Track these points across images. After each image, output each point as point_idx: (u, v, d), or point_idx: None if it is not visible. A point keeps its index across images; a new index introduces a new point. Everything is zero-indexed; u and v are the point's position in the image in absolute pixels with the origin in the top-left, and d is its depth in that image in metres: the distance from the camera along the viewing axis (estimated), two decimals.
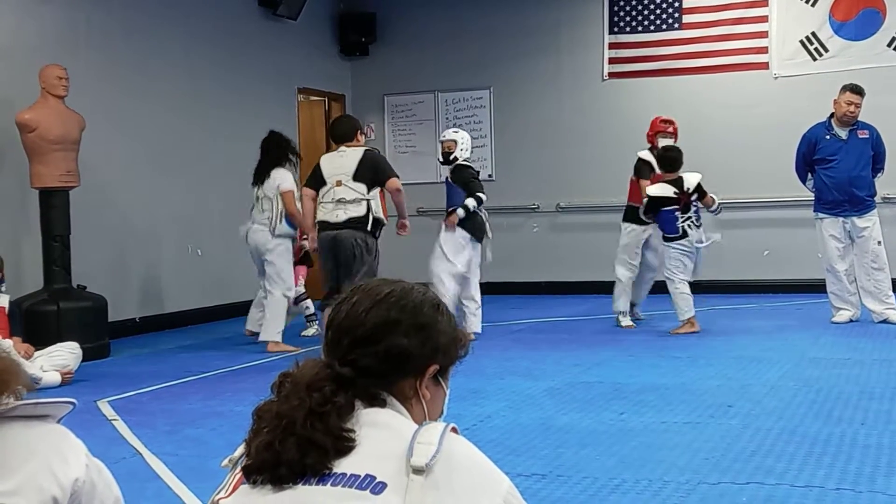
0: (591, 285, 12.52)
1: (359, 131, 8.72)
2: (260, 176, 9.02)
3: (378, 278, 2.01)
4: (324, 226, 8.39)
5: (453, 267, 9.09)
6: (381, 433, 1.78)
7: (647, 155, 9.67)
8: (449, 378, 1.97)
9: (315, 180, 8.51)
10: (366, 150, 8.53)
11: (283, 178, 8.90)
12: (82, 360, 7.81)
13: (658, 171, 9.46)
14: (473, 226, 9.24)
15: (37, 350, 7.54)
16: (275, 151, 9.05)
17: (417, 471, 1.69)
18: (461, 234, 9.20)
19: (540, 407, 6.28)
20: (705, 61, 12.35)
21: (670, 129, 9.75)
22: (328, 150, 13.59)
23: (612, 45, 12.74)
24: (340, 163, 8.41)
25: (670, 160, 9.25)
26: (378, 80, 13.70)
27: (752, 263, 11.97)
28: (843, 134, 9.32)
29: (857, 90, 9.30)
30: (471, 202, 9.08)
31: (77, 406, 1.96)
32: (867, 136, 9.37)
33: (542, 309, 11.27)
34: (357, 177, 8.29)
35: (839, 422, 5.61)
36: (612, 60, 12.77)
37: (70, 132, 8.54)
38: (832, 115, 9.40)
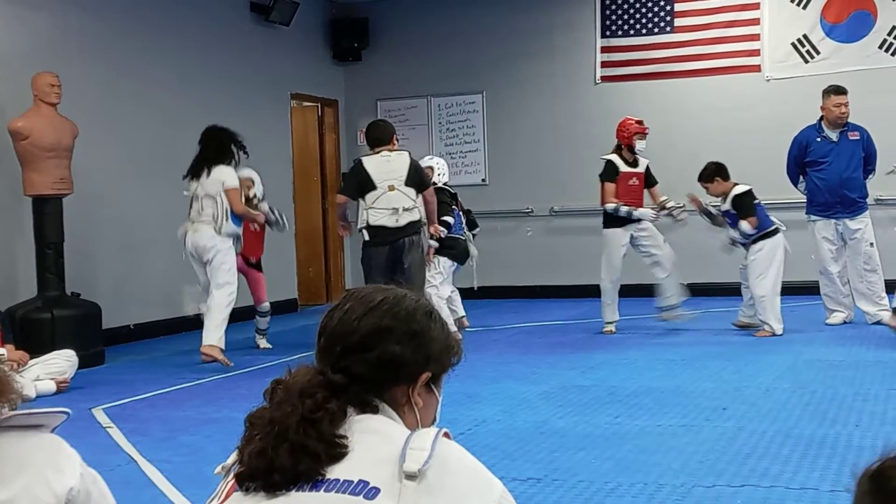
0: (585, 289, 12.51)
1: (394, 135, 8.80)
2: (196, 171, 8.52)
3: (371, 286, 2.00)
4: (380, 231, 8.37)
5: (441, 291, 9.53)
6: (373, 439, 1.78)
7: (615, 158, 9.54)
8: (442, 386, 1.97)
9: (359, 185, 8.48)
10: (411, 157, 8.65)
11: (227, 176, 8.49)
12: (77, 368, 7.79)
13: (622, 170, 9.48)
14: (457, 253, 9.73)
15: (32, 358, 7.53)
16: (214, 146, 8.57)
17: (410, 476, 1.69)
18: (445, 263, 9.65)
19: (535, 411, 6.28)
20: (697, 64, 12.36)
21: (646, 129, 9.63)
22: (321, 156, 13.74)
23: (605, 49, 12.76)
24: (389, 167, 8.44)
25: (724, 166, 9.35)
26: (371, 85, 13.70)
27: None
28: (833, 136, 9.35)
29: (841, 91, 9.35)
30: (434, 233, 9.15)
31: (72, 414, 1.96)
32: (858, 138, 9.40)
33: (536, 313, 11.27)
34: (409, 182, 8.39)
35: (834, 423, 5.61)
36: (604, 64, 12.78)
37: (63, 139, 8.53)
38: (822, 117, 9.43)
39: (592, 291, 12.34)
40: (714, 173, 9.21)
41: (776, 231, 9.03)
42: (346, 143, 13.93)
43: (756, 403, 6.23)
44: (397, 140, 8.98)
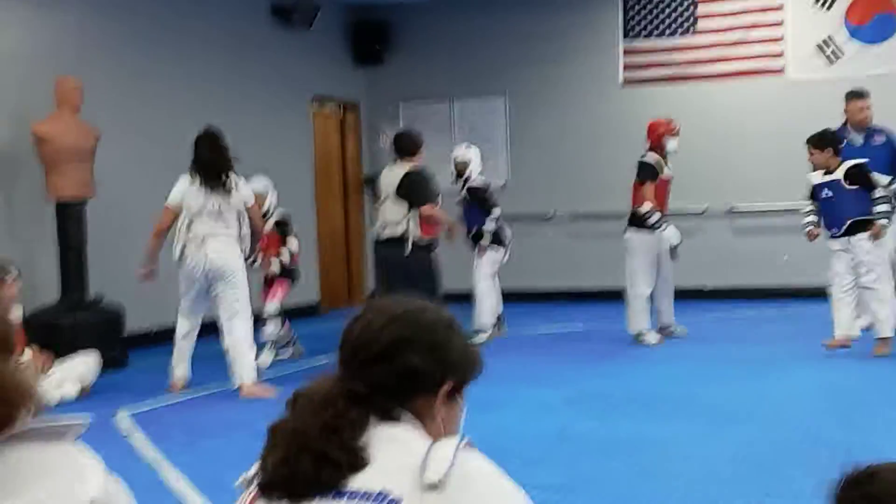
0: (607, 293, 12.49)
1: (418, 148, 8.67)
2: (215, 180, 7.64)
3: (391, 297, 2.01)
4: (375, 239, 8.63)
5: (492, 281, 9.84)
6: (395, 449, 1.78)
7: (651, 158, 9.38)
8: (464, 396, 1.97)
9: (375, 194, 8.75)
10: (408, 171, 8.47)
11: (248, 191, 7.86)
12: (99, 372, 7.82)
13: (662, 174, 9.30)
14: (500, 237, 10.02)
15: (54, 362, 7.57)
16: (221, 149, 7.76)
17: (431, 487, 1.69)
18: (495, 255, 9.97)
19: (557, 416, 6.27)
20: (720, 67, 12.32)
21: (676, 129, 9.41)
22: (343, 158, 13.77)
23: (627, 51, 12.73)
24: (389, 178, 8.53)
25: (835, 139, 8.44)
26: (393, 87, 13.72)
27: (770, 269, 11.93)
28: (858, 140, 9.30)
29: (862, 94, 9.32)
30: (489, 226, 9.68)
31: (93, 419, 1.97)
32: (884, 141, 9.34)
33: (559, 317, 11.25)
34: (399, 194, 8.42)
35: (860, 429, 5.57)
36: (627, 66, 12.76)
37: (85, 143, 8.58)
38: (846, 121, 9.40)
39: (615, 296, 12.34)
40: (829, 142, 8.33)
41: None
42: (368, 146, 13.96)
43: (780, 409, 6.20)
44: (420, 153, 8.71)
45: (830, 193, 8.19)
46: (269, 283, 9.18)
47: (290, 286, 9.37)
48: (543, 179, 13.03)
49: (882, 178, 8.31)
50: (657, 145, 9.42)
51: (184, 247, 7.68)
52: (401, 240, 8.37)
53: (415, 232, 8.37)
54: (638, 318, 9.25)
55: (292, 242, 9.30)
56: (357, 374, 1.87)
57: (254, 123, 11.54)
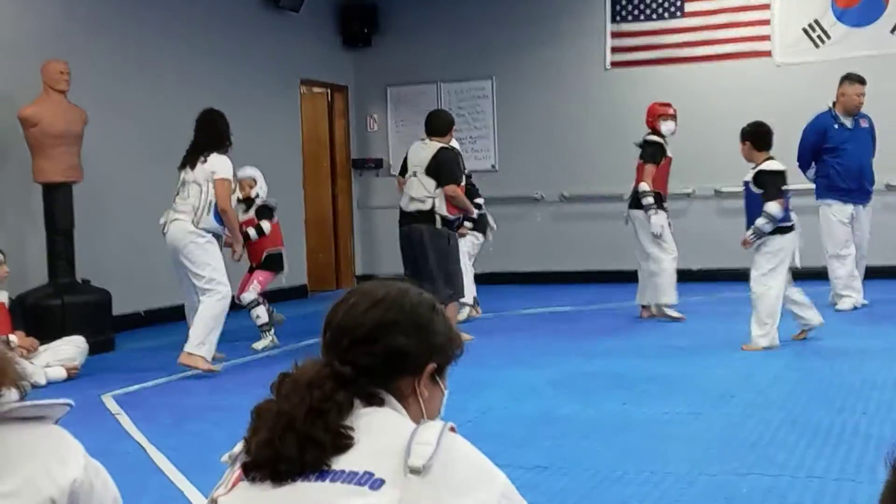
0: (595, 275, 12.56)
1: (450, 128, 8.80)
2: (192, 158, 7.80)
3: (374, 281, 2.04)
4: (400, 214, 8.68)
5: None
6: (379, 431, 1.81)
7: (656, 137, 9.48)
8: (446, 377, 2.01)
9: (402, 167, 8.79)
10: (440, 148, 8.57)
11: (220, 164, 7.74)
12: (87, 354, 7.84)
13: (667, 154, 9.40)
14: (482, 225, 10.12)
15: (42, 344, 7.58)
16: (210, 131, 7.87)
17: (415, 470, 1.72)
18: (473, 240, 10.12)
19: (542, 397, 6.31)
20: (707, 49, 12.35)
21: (671, 112, 9.54)
22: (331, 141, 13.77)
23: (615, 34, 12.74)
24: (420, 155, 8.61)
25: (764, 134, 7.87)
26: (381, 70, 13.71)
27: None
28: (848, 123, 9.46)
29: (862, 80, 9.50)
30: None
31: (81, 401, 1.99)
32: (868, 126, 9.51)
33: (544, 299, 11.28)
34: (428, 172, 8.51)
35: (841, 411, 5.63)
36: (614, 49, 12.77)
37: (72, 127, 8.57)
38: (834, 104, 9.49)
39: (602, 277, 12.40)
40: (747, 135, 7.93)
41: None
42: (356, 129, 13.95)
43: (764, 391, 6.25)
44: (451, 133, 8.86)
45: (744, 192, 7.98)
46: (250, 271, 9.15)
47: (273, 277, 9.32)
48: (531, 162, 13.05)
49: (771, 206, 7.60)
50: (653, 128, 9.54)
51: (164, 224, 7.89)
52: (427, 215, 8.50)
53: (441, 209, 8.51)
54: (667, 291, 9.28)
55: (264, 224, 9.20)
56: (342, 357, 1.90)
57: (242, 107, 11.50)
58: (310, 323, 9.27)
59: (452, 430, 1.81)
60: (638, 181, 9.42)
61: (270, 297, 9.52)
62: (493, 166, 13.22)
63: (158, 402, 6.69)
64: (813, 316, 7.90)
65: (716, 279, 11.36)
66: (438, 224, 8.46)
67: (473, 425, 5.54)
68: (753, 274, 7.78)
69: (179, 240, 7.69)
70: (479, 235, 10.21)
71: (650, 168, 9.28)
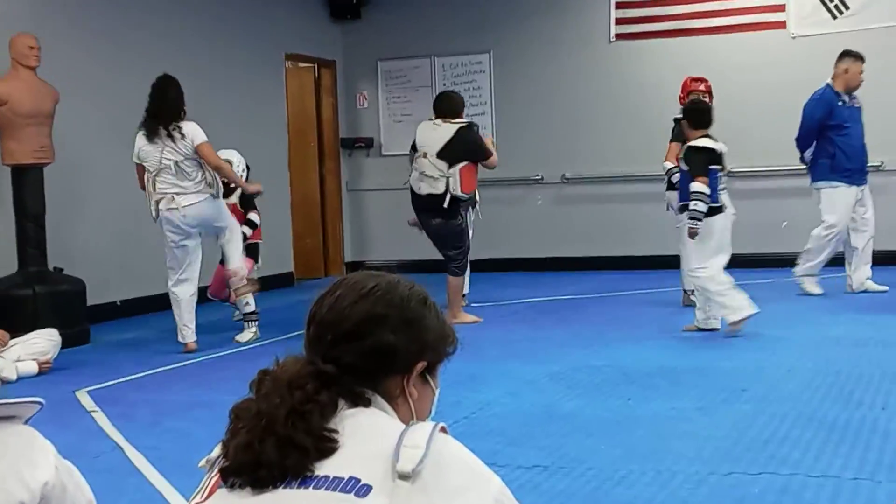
0: (599, 261, 12.56)
1: (462, 110, 9.23)
2: (163, 125, 8.03)
3: (362, 272, 2.03)
4: (411, 195, 9.12)
5: None
6: (365, 434, 1.80)
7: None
8: (438, 376, 2.00)
9: (412, 146, 9.15)
10: (459, 128, 8.95)
11: (196, 132, 8.06)
12: (60, 348, 7.83)
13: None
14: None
15: (13, 337, 7.57)
16: (175, 95, 8.16)
17: (404, 476, 1.71)
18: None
19: (543, 393, 6.31)
20: (718, 21, 12.32)
21: (701, 87, 9.51)
22: (318, 119, 13.75)
23: (619, 5, 12.71)
24: (431, 136, 8.94)
25: (700, 112, 8.17)
26: (371, 44, 13.68)
27: (769, 235, 11.98)
28: (848, 101, 9.58)
29: (863, 58, 9.66)
30: None
31: (54, 397, 1.99)
32: (860, 105, 9.75)
33: (546, 287, 11.29)
34: (441, 154, 8.85)
35: (859, 406, 5.63)
36: (619, 21, 12.74)
37: (43, 105, 8.54)
38: (833, 79, 9.61)
39: (605, 264, 12.41)
40: (685, 114, 8.28)
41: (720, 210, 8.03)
42: (345, 106, 13.93)
43: (777, 385, 6.25)
44: (462, 115, 9.27)
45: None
46: (222, 263, 9.14)
47: (252, 265, 9.33)
48: (531, 141, 13.03)
49: (694, 185, 7.75)
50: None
51: (156, 203, 8.13)
52: (439, 198, 8.86)
53: (455, 188, 8.84)
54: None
55: (254, 215, 9.30)
56: (326, 354, 1.89)
57: (224, 84, 11.50)
58: (296, 313, 9.29)
59: (443, 430, 1.80)
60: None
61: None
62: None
63: (136, 399, 6.69)
64: (711, 318, 8.07)
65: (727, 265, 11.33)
66: (446, 203, 8.86)
67: (469, 422, 5.54)
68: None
69: (212, 215, 8.28)
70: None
71: (674, 146, 9.23)
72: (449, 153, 8.87)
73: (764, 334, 7.88)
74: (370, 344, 1.89)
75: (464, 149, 8.92)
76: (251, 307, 8.80)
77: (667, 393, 6.14)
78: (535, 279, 12.13)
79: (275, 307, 9.73)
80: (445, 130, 8.92)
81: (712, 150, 7.93)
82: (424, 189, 8.96)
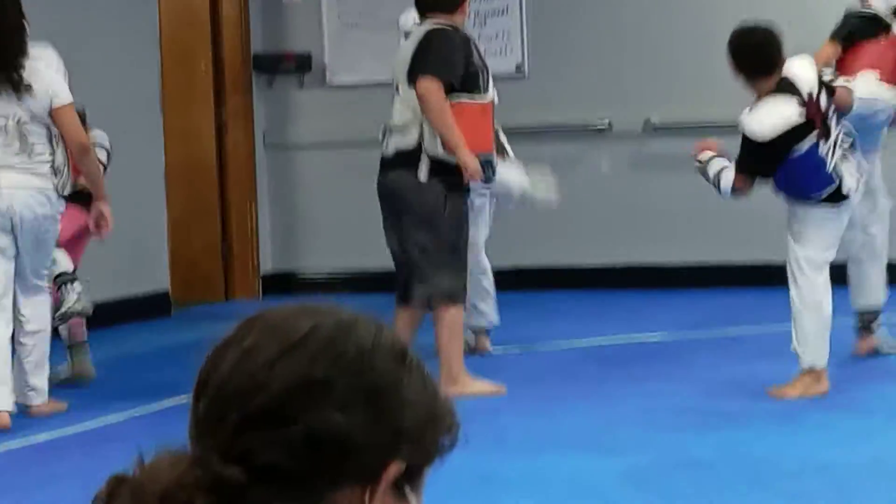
0: (711, 272, 12.59)
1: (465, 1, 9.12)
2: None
3: (293, 305, 2.03)
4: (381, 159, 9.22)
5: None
6: None
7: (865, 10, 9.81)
8: (422, 487, 2.01)
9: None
10: (430, 30, 8.93)
11: (59, 85, 8.52)
12: None
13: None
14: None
15: None
16: (16, 11, 8.44)
17: None
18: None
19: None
20: None
21: None
22: (215, 26, 13.82)
23: None
24: (402, 53, 9.08)
25: (759, 47, 8.83)
26: None
27: None
28: None
29: None
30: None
31: None
32: None
33: (617, 319, 11.35)
34: (411, 78, 8.80)
35: None
36: None
37: None
38: None
39: (719, 277, 12.44)
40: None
41: None
42: (260, 5, 13.97)
43: None
44: (462, 10, 9.22)
45: None
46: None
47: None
48: (586, 63, 13.08)
49: None
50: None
51: None
52: (409, 157, 8.82)
53: (431, 145, 8.73)
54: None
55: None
56: (227, 447, 1.90)
57: (80, 13, 11.62)
58: (174, 367, 9.33)
59: None
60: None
61: (97, 315, 9.57)
62: (517, 68, 13.26)
63: None
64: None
65: None
66: (424, 173, 8.72)
67: None
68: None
69: (36, 216, 8.39)
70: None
71: (826, 46, 9.65)
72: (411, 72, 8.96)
73: None
74: (303, 431, 1.90)
75: (421, 61, 8.86)
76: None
77: (805, 498, 6.21)
78: (598, 302, 12.19)
79: (135, 354, 9.78)
80: (414, 37, 9.07)
81: None
82: (391, 146, 9.02)
